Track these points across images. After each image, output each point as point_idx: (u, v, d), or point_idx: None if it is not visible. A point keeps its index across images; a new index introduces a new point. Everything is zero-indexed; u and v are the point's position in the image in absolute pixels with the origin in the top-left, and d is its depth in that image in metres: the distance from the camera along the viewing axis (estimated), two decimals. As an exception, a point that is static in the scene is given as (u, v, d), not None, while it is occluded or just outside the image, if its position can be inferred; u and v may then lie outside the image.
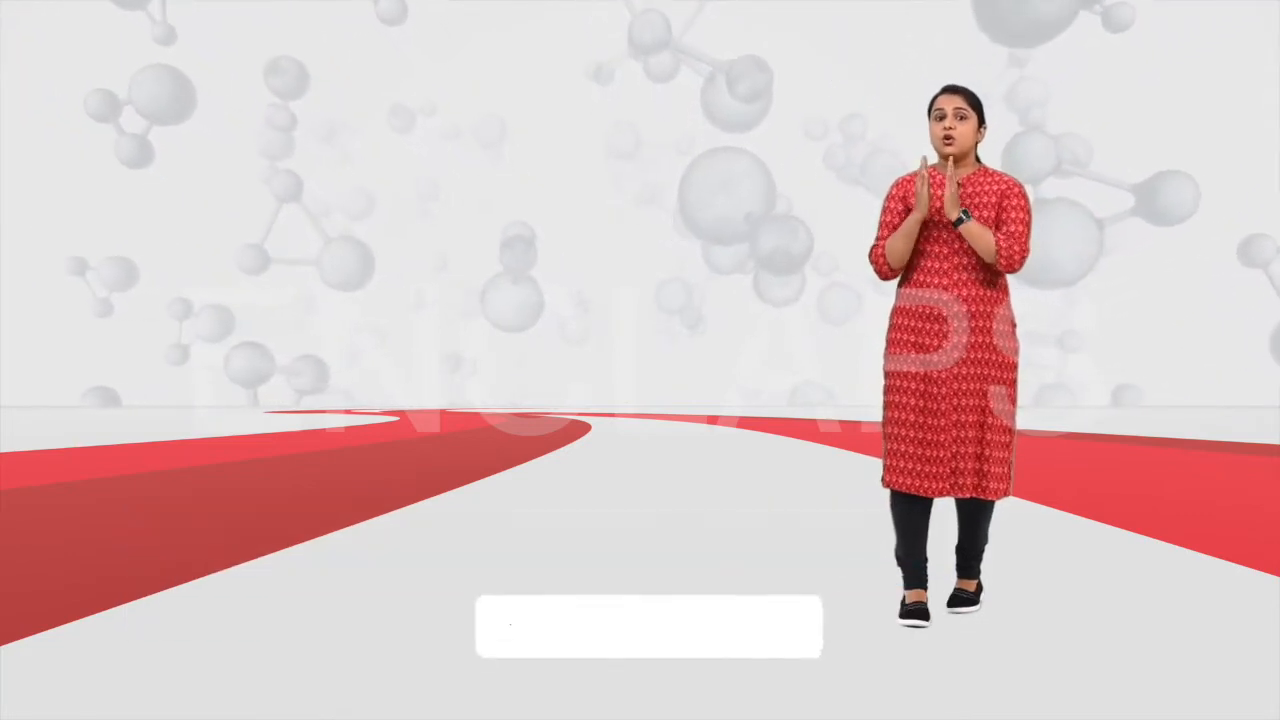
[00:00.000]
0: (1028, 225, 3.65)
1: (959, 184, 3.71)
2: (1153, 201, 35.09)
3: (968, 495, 3.64)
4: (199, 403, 38.50)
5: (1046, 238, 32.13)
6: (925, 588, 3.68)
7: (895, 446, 3.65)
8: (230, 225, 39.75)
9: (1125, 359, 38.24)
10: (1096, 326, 37.63)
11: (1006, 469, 3.67)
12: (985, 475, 3.64)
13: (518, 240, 36.31)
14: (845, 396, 37.81)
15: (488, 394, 38.85)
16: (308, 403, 39.27)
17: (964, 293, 3.65)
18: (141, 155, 38.93)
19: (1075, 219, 33.45)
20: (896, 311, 3.73)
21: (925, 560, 3.73)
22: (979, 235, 3.61)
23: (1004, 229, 3.65)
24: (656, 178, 40.49)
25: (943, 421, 3.64)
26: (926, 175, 3.62)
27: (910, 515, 3.70)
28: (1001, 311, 3.68)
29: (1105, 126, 36.51)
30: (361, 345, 40.31)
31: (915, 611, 3.57)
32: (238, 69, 39.44)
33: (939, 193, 3.69)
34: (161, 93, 37.87)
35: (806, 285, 38.27)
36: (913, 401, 3.66)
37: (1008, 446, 3.68)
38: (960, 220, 3.61)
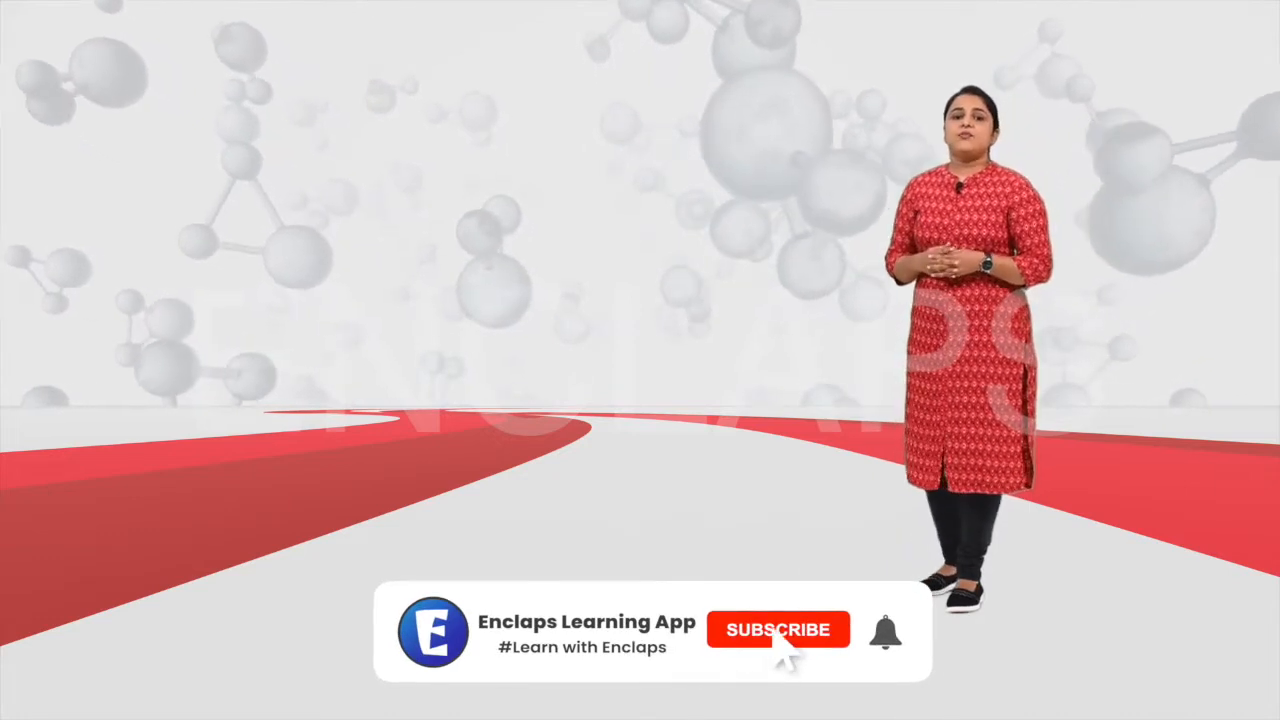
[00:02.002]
0: (1045, 231, 3.76)
1: (961, 184, 3.83)
2: (1258, 134, 29.78)
3: (968, 490, 3.74)
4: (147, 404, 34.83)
5: (1157, 216, 28.65)
6: (955, 564, 3.94)
7: (909, 442, 3.90)
8: (187, 212, 35.42)
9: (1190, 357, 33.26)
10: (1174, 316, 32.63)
11: (1014, 463, 3.75)
12: (985, 470, 3.73)
13: (484, 216, 31.46)
14: (867, 399, 33.13)
15: (462, 395, 35.25)
16: (253, 406, 35.00)
17: (966, 292, 3.74)
18: (58, 112, 33.67)
19: (1180, 186, 28.56)
20: (912, 312, 3.89)
21: (954, 543, 3.96)
22: (1005, 270, 3.73)
23: (1022, 244, 3.75)
24: (657, 162, 35.64)
25: (938, 418, 3.78)
26: (936, 263, 3.75)
27: (933, 507, 3.97)
28: (1004, 310, 3.76)
29: (1174, 81, 31.82)
30: (336, 343, 36.24)
31: (929, 579, 3.93)
32: (192, 38, 34.91)
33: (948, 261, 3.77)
34: (107, 69, 33.24)
35: (845, 269, 30.81)
36: (919, 399, 3.84)
37: (1014, 442, 3.74)
38: (985, 269, 3.73)
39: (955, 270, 3.71)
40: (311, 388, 36.25)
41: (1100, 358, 33.45)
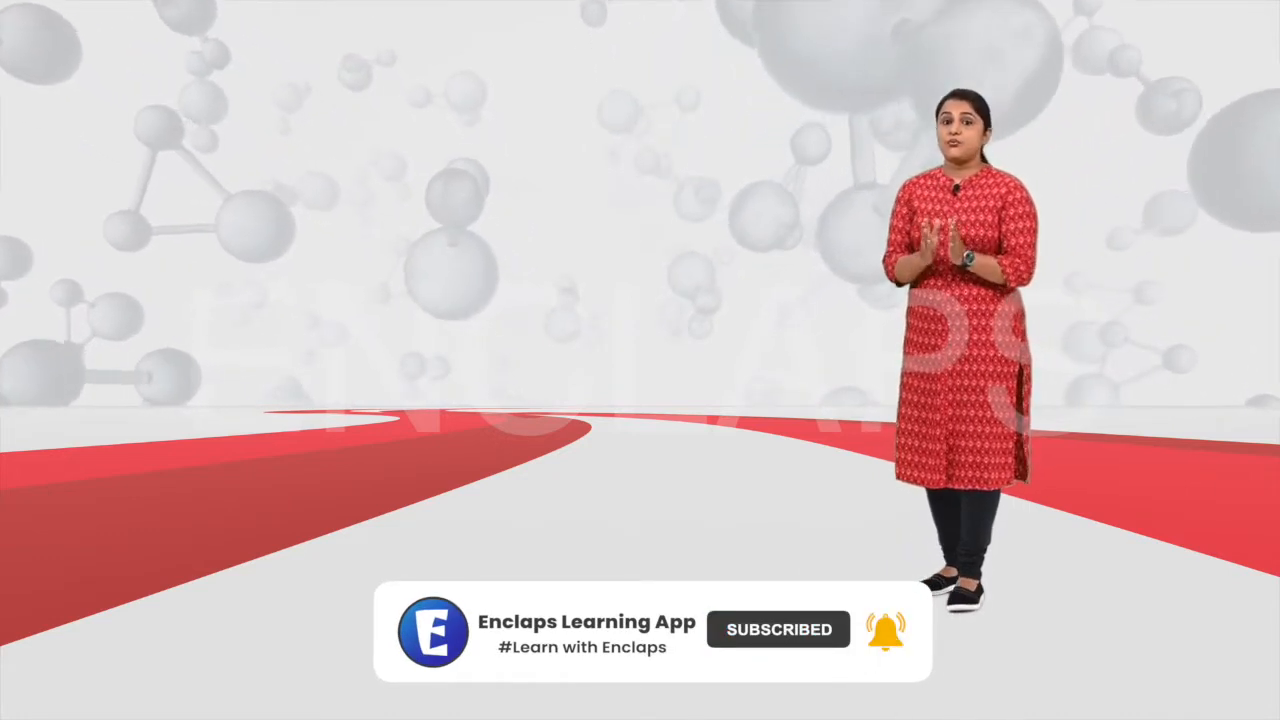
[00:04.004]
0: (1033, 233, 3.80)
1: (958, 186, 3.87)
2: None
3: (966, 487, 3.79)
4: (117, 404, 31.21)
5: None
6: (956, 565, 3.95)
7: (901, 440, 3.92)
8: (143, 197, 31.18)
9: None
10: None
11: (1008, 459, 3.80)
12: (983, 467, 3.78)
13: (456, 175, 26.97)
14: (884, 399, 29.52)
15: (459, 396, 31.90)
16: (189, 413, 29.48)
17: (963, 291, 3.80)
18: None
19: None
20: (907, 312, 3.92)
21: (954, 543, 3.99)
22: (986, 268, 3.76)
23: (1008, 242, 3.80)
24: (657, 144, 32.06)
25: (938, 416, 3.82)
26: (932, 239, 3.75)
27: (934, 506, 3.99)
28: (1004, 309, 3.82)
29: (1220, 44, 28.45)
30: (303, 342, 32.04)
31: (930, 579, 3.94)
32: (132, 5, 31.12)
33: (943, 240, 3.80)
34: (33, 40, 29.12)
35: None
36: (915, 398, 3.87)
37: (1010, 439, 3.80)
38: (965, 265, 3.76)
39: (939, 249, 3.76)
40: (271, 388, 32.09)
41: (1149, 361, 31.10)
